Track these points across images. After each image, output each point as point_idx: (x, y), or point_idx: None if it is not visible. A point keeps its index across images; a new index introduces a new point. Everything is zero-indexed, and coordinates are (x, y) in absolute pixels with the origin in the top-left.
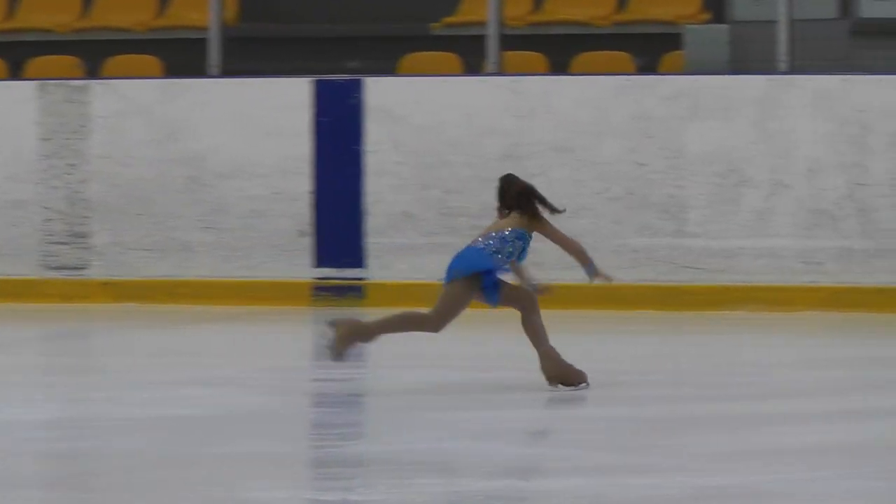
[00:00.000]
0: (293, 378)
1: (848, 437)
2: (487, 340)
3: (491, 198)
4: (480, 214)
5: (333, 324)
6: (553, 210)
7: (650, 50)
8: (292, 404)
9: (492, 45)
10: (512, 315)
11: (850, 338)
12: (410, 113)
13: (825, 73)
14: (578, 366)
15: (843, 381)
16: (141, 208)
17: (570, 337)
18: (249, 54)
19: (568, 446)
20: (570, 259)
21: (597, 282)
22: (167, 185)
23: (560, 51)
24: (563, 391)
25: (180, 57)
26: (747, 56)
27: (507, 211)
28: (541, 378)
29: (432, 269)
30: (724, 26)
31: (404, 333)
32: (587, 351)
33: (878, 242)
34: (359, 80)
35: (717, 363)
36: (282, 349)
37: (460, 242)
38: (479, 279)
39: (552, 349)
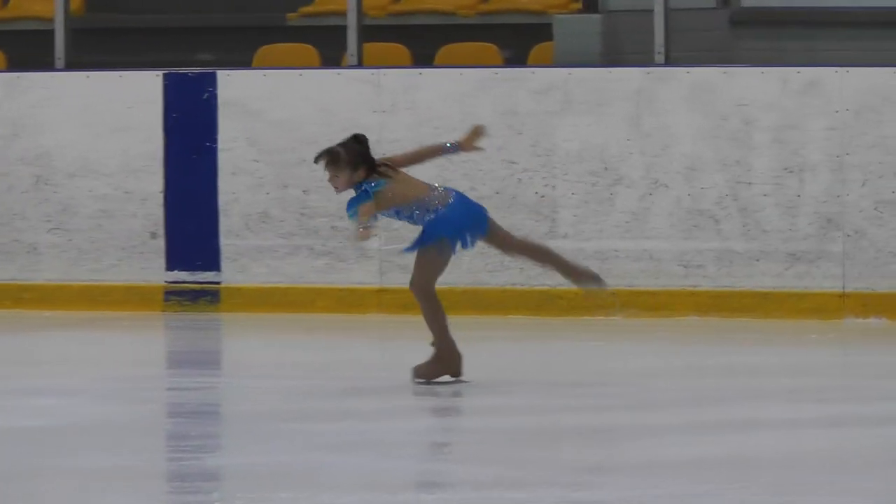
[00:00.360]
0: (146, 387)
1: (733, 450)
2: (342, 347)
3: (349, 196)
4: (342, 214)
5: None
6: None
7: (518, 41)
8: (146, 414)
9: (351, 36)
10: (367, 322)
11: (733, 345)
12: (266, 108)
13: (704, 65)
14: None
15: (724, 391)
16: None
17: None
18: (97, 46)
19: (435, 459)
20: None
21: (468, 149)
22: (12, 185)
23: (423, 42)
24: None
25: (24, 50)
26: (621, 47)
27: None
28: (405, 385)
29: (291, 272)
30: (596, 16)
31: None
32: None
33: (762, 244)
34: (211, 73)
35: (593, 371)
36: (134, 356)
37: (320, 244)
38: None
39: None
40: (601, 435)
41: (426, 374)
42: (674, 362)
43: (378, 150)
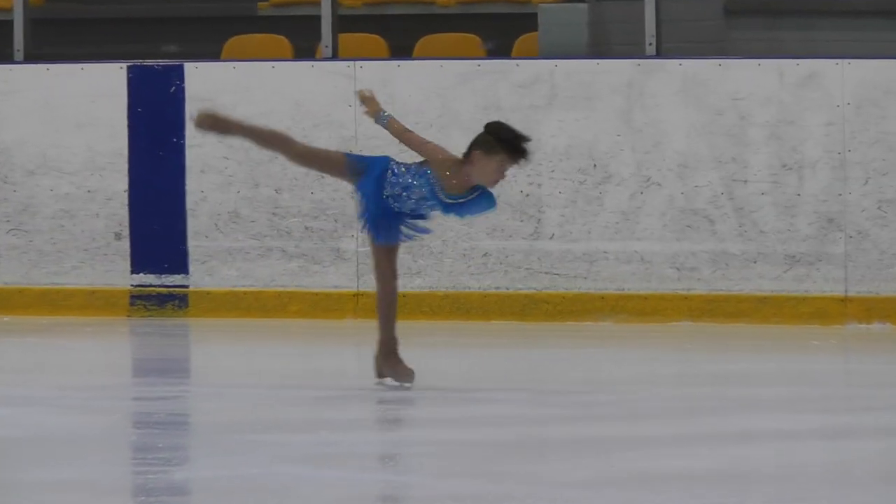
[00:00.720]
0: (110, 396)
1: (728, 463)
2: (317, 354)
3: (325, 196)
4: (315, 214)
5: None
6: None
7: (501, 32)
8: (110, 425)
9: (326, 26)
10: (342, 328)
11: (728, 352)
12: (236, 102)
13: (697, 56)
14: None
15: (719, 400)
16: None
17: (414, 351)
18: (57, 38)
19: (414, 472)
20: (412, 266)
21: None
22: None
23: (401, 33)
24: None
25: None
26: (610, 38)
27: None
28: (381, 394)
29: (263, 275)
30: (583, 5)
31: None
32: (433, 366)
33: (759, 246)
34: (178, 65)
35: (580, 380)
36: (97, 364)
37: (293, 246)
38: None
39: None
40: (589, 447)
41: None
42: (666, 370)
43: (353, 147)
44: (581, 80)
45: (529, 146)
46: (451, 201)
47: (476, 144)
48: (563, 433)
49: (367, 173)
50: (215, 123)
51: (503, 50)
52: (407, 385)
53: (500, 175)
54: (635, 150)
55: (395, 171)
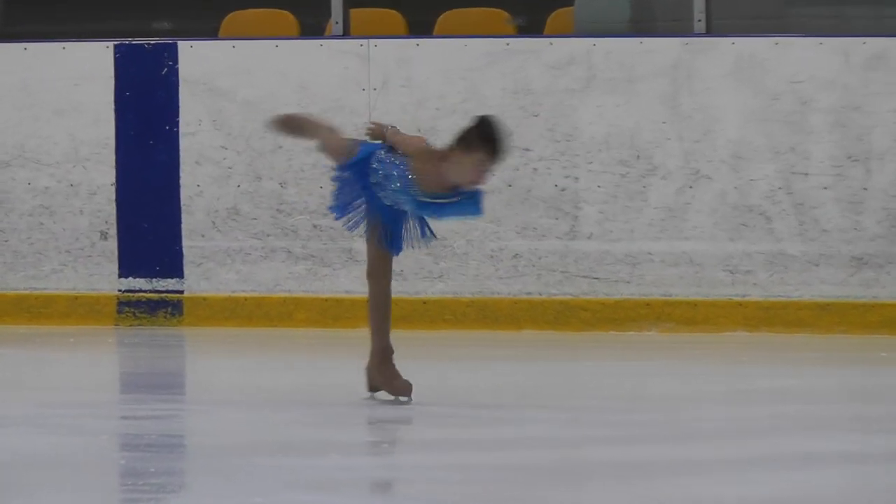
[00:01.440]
0: (96, 415)
1: (786, 490)
2: (326, 368)
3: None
4: (324, 211)
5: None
6: None
7: (533, 7)
8: (97, 448)
9: (336, 0)
10: (354, 337)
11: (786, 365)
12: (236, 85)
13: (752, 34)
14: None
15: (777, 420)
16: None
17: (436, 363)
18: (36, 15)
19: (435, 501)
20: (434, 269)
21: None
22: None
23: (420, 8)
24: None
25: None
26: (654, 14)
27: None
28: (399, 413)
29: (266, 279)
30: None
31: None
32: (456, 382)
33: (821, 246)
34: (171, 44)
35: (621, 397)
36: (81, 379)
37: (299, 246)
38: None
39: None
40: (632, 472)
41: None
42: (718, 386)
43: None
44: (622, 61)
45: (506, 146)
46: (425, 199)
47: (457, 139)
48: (602, 457)
49: (351, 158)
50: (289, 122)
51: (535, 27)
52: (404, 399)
53: (478, 176)
54: (683, 140)
55: (382, 157)
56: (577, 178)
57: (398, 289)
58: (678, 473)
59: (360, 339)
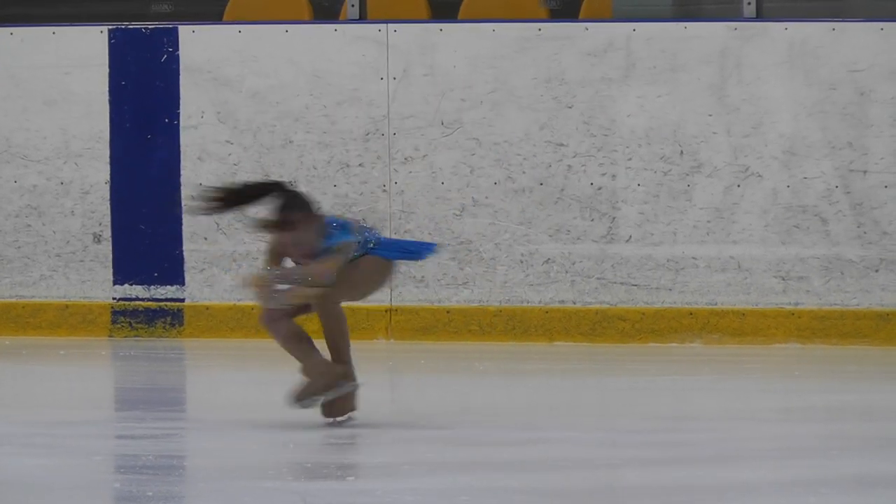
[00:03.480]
0: (89, 434)
1: None
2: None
3: (350, 189)
4: (338, 211)
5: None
6: None
7: None
8: (90, 470)
9: None
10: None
11: (843, 380)
12: (241, 74)
13: (806, 19)
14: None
15: (829, 439)
16: None
17: (460, 377)
18: None
19: None
20: (458, 276)
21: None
22: None
23: None
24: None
25: None
26: None
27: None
28: (421, 432)
29: None
30: None
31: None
32: (483, 398)
33: (881, 250)
34: (171, 28)
35: (663, 414)
36: (73, 395)
37: None
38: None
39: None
40: (672, 497)
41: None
42: (768, 402)
43: (384, 130)
44: (664, 48)
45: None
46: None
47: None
48: (642, 480)
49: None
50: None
51: (569, 11)
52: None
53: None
54: (731, 134)
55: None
56: (614, 176)
57: (420, 296)
58: (724, 498)
59: (378, 350)
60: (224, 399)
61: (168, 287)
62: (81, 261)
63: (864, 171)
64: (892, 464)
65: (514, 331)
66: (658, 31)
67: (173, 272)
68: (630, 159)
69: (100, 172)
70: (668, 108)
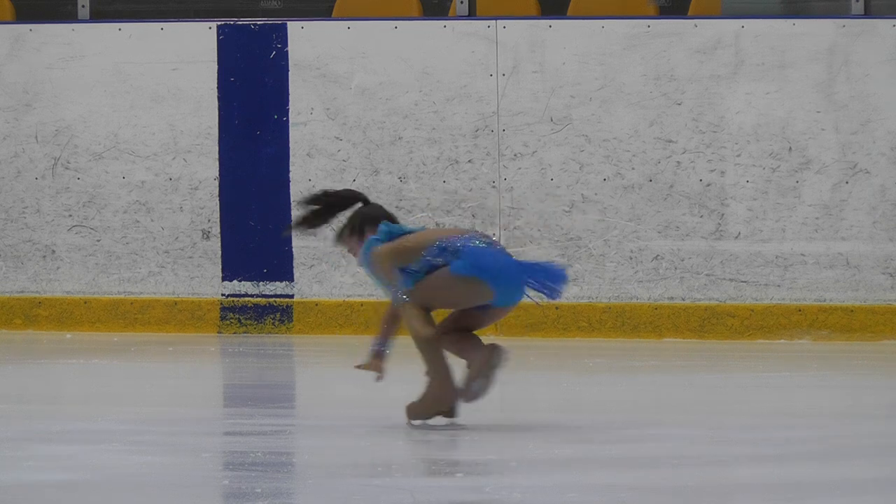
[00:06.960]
0: (197, 432)
1: None
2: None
3: (460, 185)
4: (448, 207)
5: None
6: None
7: None
8: (197, 467)
9: None
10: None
11: None
12: (351, 70)
13: None
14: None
15: None
16: None
17: (569, 374)
18: None
19: None
20: (580, 266)
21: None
22: (22, 169)
23: None
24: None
25: None
26: None
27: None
28: (528, 430)
29: None
30: None
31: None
32: (592, 395)
33: None
34: (280, 24)
35: (771, 411)
36: (181, 392)
37: None
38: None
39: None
40: (782, 493)
41: (420, 412)
42: (878, 399)
43: (493, 126)
44: (773, 45)
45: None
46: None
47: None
48: (751, 476)
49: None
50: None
51: (678, 7)
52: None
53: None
54: (839, 131)
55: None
56: (723, 173)
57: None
58: (833, 496)
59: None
60: (333, 396)
61: (277, 283)
62: (190, 257)
63: None
64: None
65: (623, 327)
66: (766, 29)
67: (282, 268)
68: (738, 156)
69: (208, 169)
70: (777, 105)
